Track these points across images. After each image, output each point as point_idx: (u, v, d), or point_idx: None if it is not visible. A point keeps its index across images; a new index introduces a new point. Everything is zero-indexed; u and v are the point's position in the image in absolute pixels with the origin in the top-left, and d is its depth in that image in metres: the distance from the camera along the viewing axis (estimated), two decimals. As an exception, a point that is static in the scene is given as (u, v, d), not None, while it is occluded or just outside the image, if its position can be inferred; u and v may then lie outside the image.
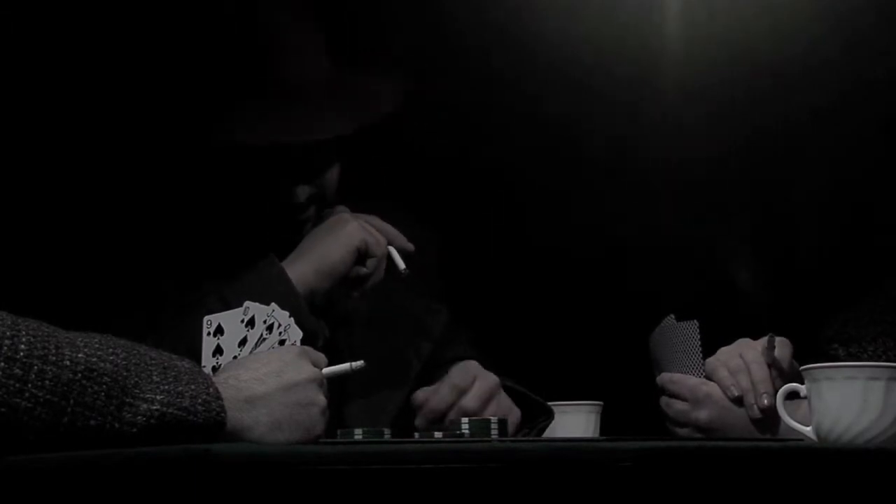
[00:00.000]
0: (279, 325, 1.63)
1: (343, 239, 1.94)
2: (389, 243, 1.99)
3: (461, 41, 2.47)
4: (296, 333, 1.62)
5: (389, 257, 1.99)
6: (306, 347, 1.54)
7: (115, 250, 2.01)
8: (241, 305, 1.73)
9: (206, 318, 1.66)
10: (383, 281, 2.00)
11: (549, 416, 2.00)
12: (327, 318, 2.03)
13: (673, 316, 1.98)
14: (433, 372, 2.08)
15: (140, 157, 2.17)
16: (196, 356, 1.49)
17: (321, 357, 1.55)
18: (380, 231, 1.99)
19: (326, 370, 1.53)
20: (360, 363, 1.60)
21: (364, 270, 1.97)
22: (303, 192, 2.00)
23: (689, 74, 2.47)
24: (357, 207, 2.03)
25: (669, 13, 2.47)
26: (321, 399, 1.47)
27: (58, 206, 2.17)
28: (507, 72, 2.48)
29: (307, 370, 1.47)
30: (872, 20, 2.38)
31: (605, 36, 2.45)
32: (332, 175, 2.04)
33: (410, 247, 2.01)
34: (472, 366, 1.98)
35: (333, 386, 1.58)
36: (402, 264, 1.98)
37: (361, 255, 1.96)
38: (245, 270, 1.91)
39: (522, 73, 2.48)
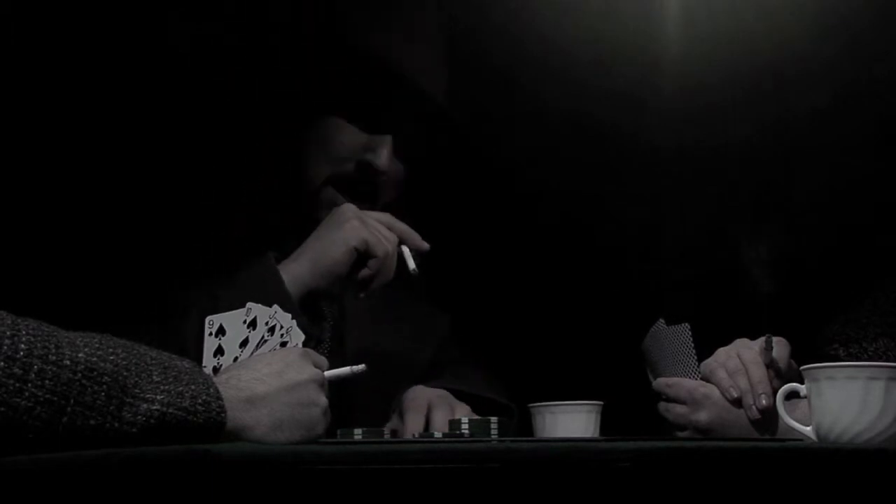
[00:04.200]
0: (281, 327, 1.63)
1: (340, 238, 1.87)
2: (402, 242, 1.92)
3: (462, 41, 2.47)
4: (298, 336, 1.62)
5: (401, 256, 1.92)
6: (308, 349, 1.55)
7: (116, 248, 2.01)
8: (233, 304, 1.72)
9: (207, 319, 1.66)
10: (394, 281, 1.92)
11: (511, 416, 2.01)
12: (326, 317, 2.03)
13: (663, 320, 1.98)
14: (431, 373, 2.08)
15: (142, 151, 2.17)
16: (186, 353, 1.48)
17: (323, 359, 1.55)
18: (391, 229, 1.91)
19: (328, 373, 1.54)
20: (360, 367, 1.60)
21: (367, 272, 1.89)
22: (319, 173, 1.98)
23: (688, 74, 2.47)
24: (373, 207, 1.97)
25: (669, 13, 2.47)
26: (322, 399, 1.47)
27: (58, 205, 2.17)
28: (507, 71, 2.48)
29: (308, 371, 1.47)
30: (872, 20, 2.38)
31: (605, 36, 2.45)
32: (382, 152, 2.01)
33: (425, 246, 1.94)
34: (419, 393, 1.96)
35: (335, 387, 1.58)
36: (412, 264, 1.91)
37: (363, 255, 1.88)
38: (240, 269, 1.87)
39: (522, 72, 2.48)
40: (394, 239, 1.91)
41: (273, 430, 1.41)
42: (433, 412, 1.88)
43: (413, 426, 1.87)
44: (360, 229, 1.88)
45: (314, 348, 1.65)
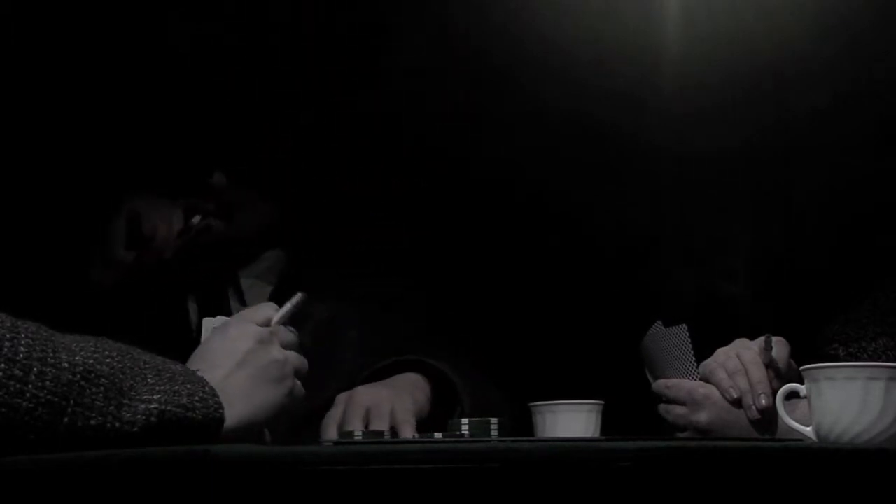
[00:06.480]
0: None
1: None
2: None
3: (462, 41, 2.47)
4: None
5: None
6: (242, 312, 1.55)
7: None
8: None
9: (204, 321, 1.66)
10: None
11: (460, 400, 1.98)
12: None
13: (661, 322, 1.98)
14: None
15: (142, 150, 2.21)
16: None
17: (265, 309, 1.54)
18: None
19: (276, 317, 1.53)
20: (297, 296, 1.58)
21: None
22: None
23: (688, 74, 2.47)
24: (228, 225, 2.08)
25: (669, 13, 2.47)
26: (275, 352, 1.48)
27: (57, 205, 2.17)
28: (507, 71, 2.48)
29: (251, 332, 1.48)
30: (872, 20, 2.38)
31: (605, 36, 2.45)
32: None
33: None
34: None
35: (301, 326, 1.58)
36: None
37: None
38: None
39: (522, 72, 2.48)
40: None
41: (247, 404, 1.42)
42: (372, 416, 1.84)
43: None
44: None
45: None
